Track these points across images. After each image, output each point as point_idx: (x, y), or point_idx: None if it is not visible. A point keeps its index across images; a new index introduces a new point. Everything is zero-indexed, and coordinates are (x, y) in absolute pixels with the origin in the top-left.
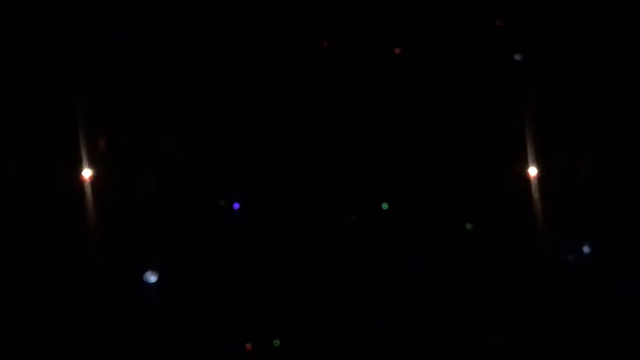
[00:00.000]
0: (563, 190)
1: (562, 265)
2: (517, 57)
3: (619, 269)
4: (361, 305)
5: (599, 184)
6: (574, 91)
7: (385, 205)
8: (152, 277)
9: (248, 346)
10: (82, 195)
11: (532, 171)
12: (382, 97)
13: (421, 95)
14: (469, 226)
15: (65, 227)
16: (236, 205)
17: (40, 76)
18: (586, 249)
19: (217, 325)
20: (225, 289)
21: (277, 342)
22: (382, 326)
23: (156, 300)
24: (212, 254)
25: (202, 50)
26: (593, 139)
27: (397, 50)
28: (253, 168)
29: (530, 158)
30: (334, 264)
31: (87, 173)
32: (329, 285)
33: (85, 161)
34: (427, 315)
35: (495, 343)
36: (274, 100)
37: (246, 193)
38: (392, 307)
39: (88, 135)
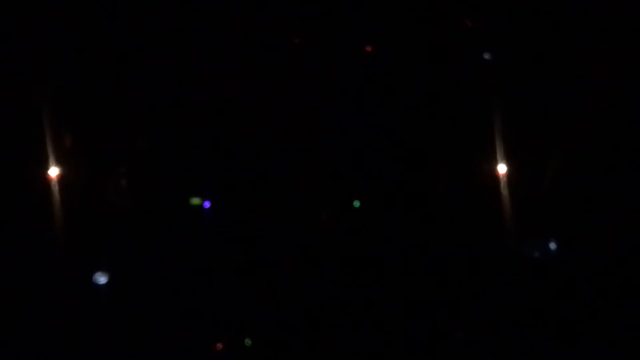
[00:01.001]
0: (531, 187)
1: (529, 261)
2: (487, 55)
3: (586, 266)
4: (334, 303)
5: (567, 182)
6: (543, 89)
7: (357, 203)
8: (101, 279)
9: (219, 346)
10: (49, 194)
11: (501, 169)
12: (352, 95)
13: (391, 94)
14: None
15: (31, 226)
16: (207, 204)
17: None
18: (553, 246)
19: (188, 325)
20: (197, 289)
21: (248, 342)
22: (354, 324)
23: (124, 301)
24: (183, 253)
25: (176, 46)
26: (562, 137)
27: (368, 49)
28: (226, 167)
29: (499, 156)
30: (306, 262)
31: (53, 171)
32: (302, 284)
33: (52, 159)
34: (399, 312)
35: (460, 338)
36: (248, 99)
37: (219, 192)
38: (363, 305)
39: (55, 132)
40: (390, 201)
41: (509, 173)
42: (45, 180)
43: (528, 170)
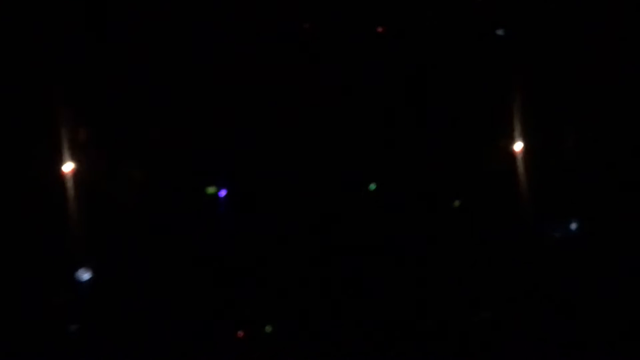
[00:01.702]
0: (550, 165)
1: (550, 241)
2: (500, 32)
3: (607, 246)
4: (351, 288)
5: (587, 159)
6: (558, 65)
7: (372, 186)
8: (84, 275)
9: (240, 333)
10: (64, 189)
11: (518, 146)
12: (364, 75)
13: (404, 72)
14: (456, 203)
15: (46, 222)
16: (222, 192)
17: (19, 67)
18: (574, 226)
19: (209, 314)
20: (216, 278)
21: (269, 328)
22: (372, 308)
23: (143, 290)
24: (200, 242)
25: (184, 38)
26: (579, 113)
27: (379, 29)
28: (239, 157)
29: (516, 133)
30: (323, 247)
31: (68, 167)
32: (319, 270)
33: (66, 154)
34: (418, 294)
35: (485, 319)
36: (257, 86)
37: (232, 182)
38: (381, 289)
39: (69, 127)
40: (406, 182)
41: (528, 151)
42: (60, 175)
43: (547, 148)
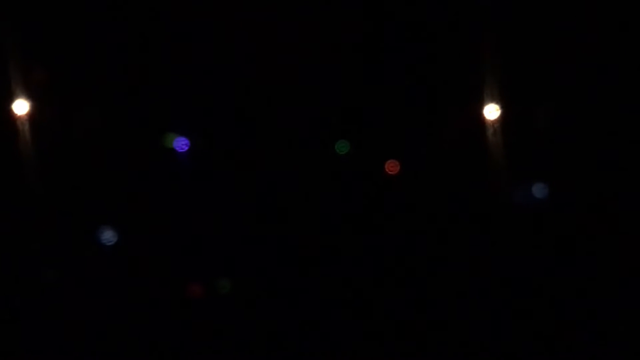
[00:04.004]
0: (522, 133)
1: (517, 208)
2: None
3: (574, 213)
4: (315, 250)
5: (558, 127)
6: (535, 32)
7: (344, 149)
8: (110, 238)
9: (196, 290)
10: (16, 131)
11: (494, 114)
12: (343, 38)
13: (381, 35)
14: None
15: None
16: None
17: None
18: (543, 192)
19: (165, 269)
20: (174, 233)
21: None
22: (335, 268)
23: (100, 247)
24: (159, 196)
25: None
26: (553, 83)
27: None
28: (208, 107)
29: (490, 100)
30: (289, 209)
31: (22, 107)
32: (283, 229)
33: (19, 94)
34: (382, 258)
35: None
36: (232, 40)
37: (200, 134)
38: (346, 248)
39: (23, 66)
40: (378, 146)
41: (501, 119)
42: (11, 116)
43: (521, 116)
